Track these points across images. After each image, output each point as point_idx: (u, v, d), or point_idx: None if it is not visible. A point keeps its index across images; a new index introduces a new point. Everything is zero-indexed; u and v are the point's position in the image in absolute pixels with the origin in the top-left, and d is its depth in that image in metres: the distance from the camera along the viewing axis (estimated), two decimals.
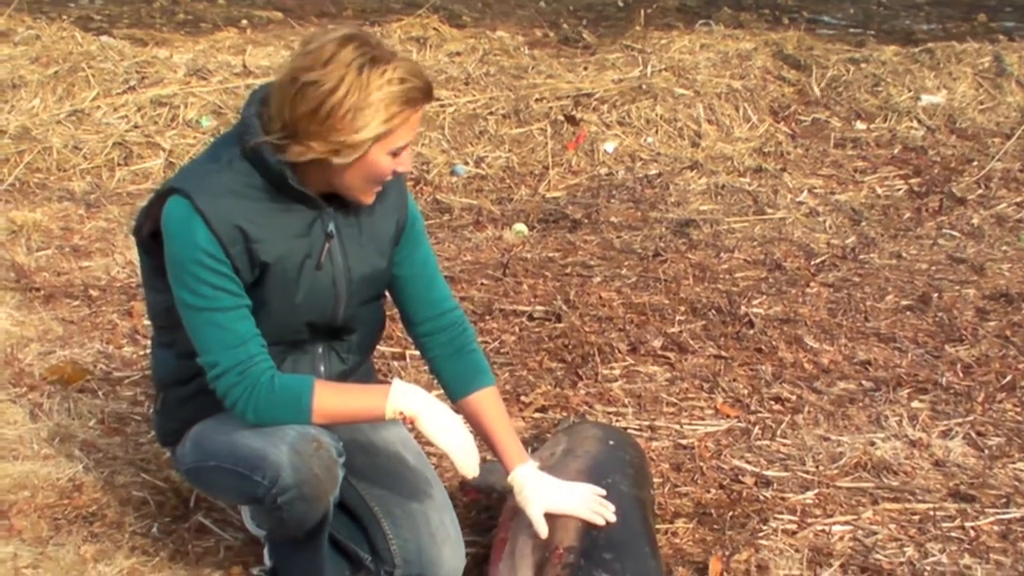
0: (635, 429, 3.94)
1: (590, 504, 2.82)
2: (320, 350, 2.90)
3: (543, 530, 2.76)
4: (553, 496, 2.82)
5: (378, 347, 4.30)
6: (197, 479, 2.94)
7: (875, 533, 3.38)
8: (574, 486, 2.87)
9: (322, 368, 2.91)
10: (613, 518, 2.79)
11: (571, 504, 2.81)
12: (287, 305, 2.75)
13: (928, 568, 3.21)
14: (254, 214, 2.65)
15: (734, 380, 4.32)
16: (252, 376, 2.65)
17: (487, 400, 2.95)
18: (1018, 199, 6.64)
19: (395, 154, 2.63)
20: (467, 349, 3.01)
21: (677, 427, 3.98)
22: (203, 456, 2.83)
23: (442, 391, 3.03)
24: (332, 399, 2.71)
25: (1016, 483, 3.68)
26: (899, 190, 6.82)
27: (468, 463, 2.75)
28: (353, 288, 2.83)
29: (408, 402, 2.70)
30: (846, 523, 3.43)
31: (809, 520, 3.43)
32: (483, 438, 2.94)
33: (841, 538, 3.35)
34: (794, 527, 3.39)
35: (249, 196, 2.65)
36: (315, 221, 2.73)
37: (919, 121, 7.86)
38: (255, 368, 2.66)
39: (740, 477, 3.66)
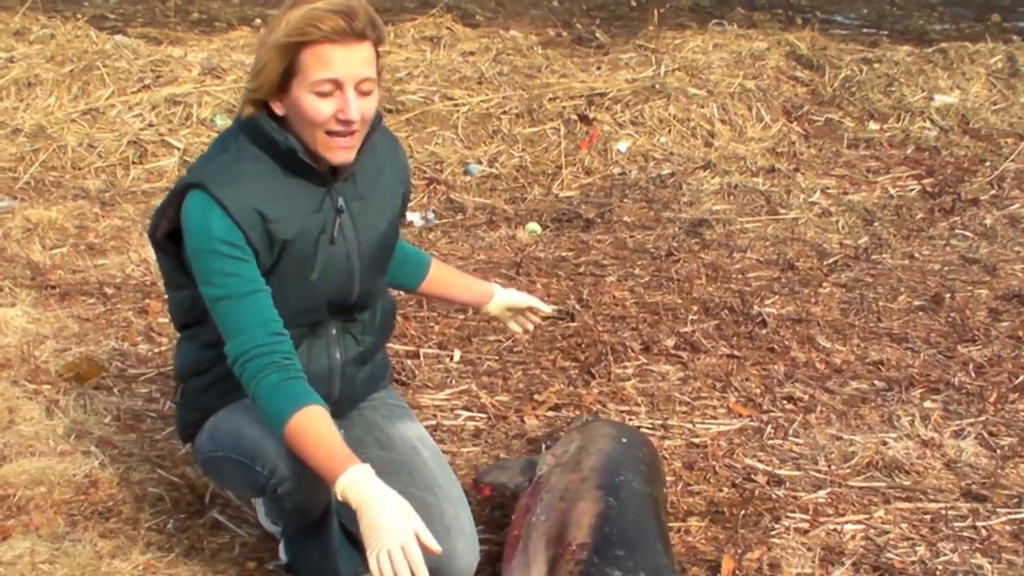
0: (648, 428, 3.95)
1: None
2: (334, 331, 2.94)
3: (547, 307, 3.48)
4: (523, 298, 3.43)
5: (393, 346, 4.34)
6: (211, 470, 2.99)
7: (887, 532, 3.39)
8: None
9: (338, 354, 2.95)
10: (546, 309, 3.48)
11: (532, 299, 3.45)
12: (305, 283, 2.79)
13: (940, 567, 3.22)
14: (269, 195, 2.70)
15: (747, 379, 4.33)
16: (252, 369, 2.67)
17: (436, 274, 3.34)
18: None
19: (321, 93, 2.64)
20: (401, 252, 3.18)
21: (690, 426, 3.99)
22: (215, 446, 2.90)
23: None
24: (304, 435, 2.62)
25: None
26: (912, 190, 6.82)
27: (371, 560, 2.51)
28: (365, 261, 2.88)
29: (354, 493, 2.55)
30: (858, 522, 3.44)
31: (821, 519, 3.44)
32: (457, 300, 3.51)
33: (853, 537, 3.36)
34: (806, 526, 3.41)
35: (262, 178, 2.71)
36: (325, 197, 2.79)
37: (932, 121, 7.85)
38: (255, 362, 2.67)
39: (752, 476, 3.67)
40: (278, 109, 2.69)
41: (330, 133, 2.69)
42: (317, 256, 2.79)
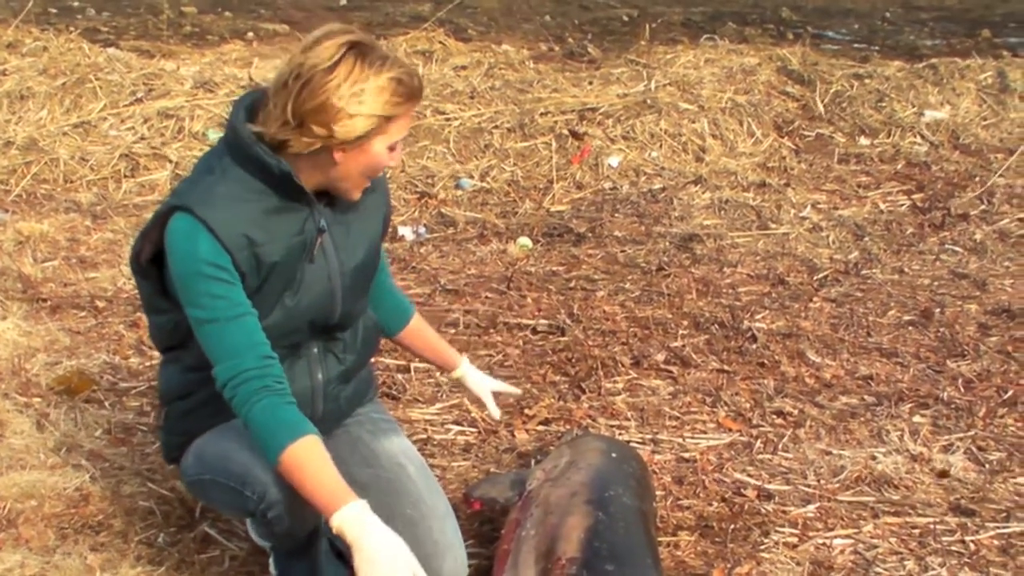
0: (638, 442, 3.96)
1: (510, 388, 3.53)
2: (315, 351, 2.93)
3: (496, 410, 3.45)
4: (492, 382, 3.49)
5: (384, 360, 4.34)
6: (198, 491, 2.98)
7: (876, 547, 3.40)
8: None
9: (320, 374, 2.94)
10: (497, 416, 3.48)
11: (500, 386, 3.50)
12: (289, 304, 2.79)
13: None
14: (256, 218, 2.69)
15: (736, 394, 4.34)
16: (243, 393, 2.65)
17: (416, 328, 3.36)
18: (1021, 215, 6.65)
19: (392, 148, 2.70)
20: (386, 288, 3.22)
21: (680, 440, 4.00)
22: (201, 469, 2.87)
23: None
24: (300, 467, 2.61)
25: (1016, 498, 3.70)
26: (902, 205, 6.84)
27: None
28: (347, 281, 2.88)
29: (350, 529, 2.56)
30: (847, 536, 3.45)
31: (810, 533, 3.45)
32: (422, 357, 3.54)
33: (842, 551, 3.37)
34: (795, 540, 3.41)
35: (249, 201, 2.69)
36: (307, 219, 2.78)
37: (922, 137, 7.89)
38: (246, 385, 2.65)
39: (742, 490, 3.68)
40: (339, 157, 2.67)
41: (369, 179, 2.78)
42: (300, 277, 2.79)
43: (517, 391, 3.59)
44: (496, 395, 3.48)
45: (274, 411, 2.65)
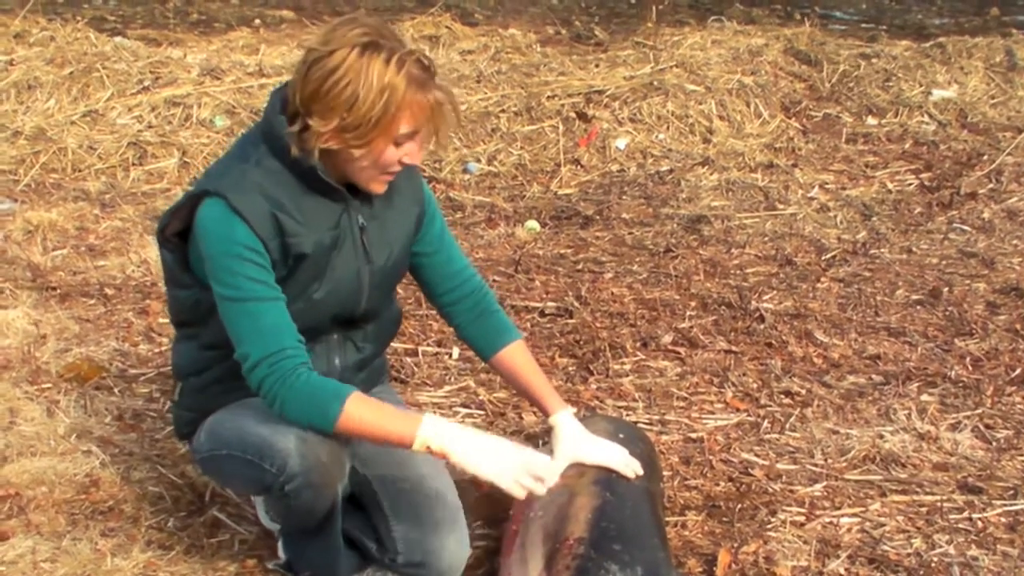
0: (645, 423, 3.97)
1: (619, 458, 2.97)
2: (336, 338, 2.95)
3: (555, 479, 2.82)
4: (582, 448, 2.98)
5: (392, 344, 4.33)
6: (211, 468, 2.99)
7: (883, 525, 3.40)
8: (604, 441, 3.03)
9: (337, 360, 2.96)
10: (641, 472, 2.98)
11: (600, 456, 2.98)
12: (314, 296, 2.80)
13: (935, 559, 3.24)
14: (288, 209, 2.70)
15: (744, 374, 4.34)
16: (282, 369, 2.67)
17: (517, 354, 3.10)
18: None
19: (398, 143, 2.67)
20: (490, 310, 3.12)
21: (687, 421, 4.01)
22: (216, 445, 2.89)
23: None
24: (362, 415, 2.69)
25: None
26: (910, 185, 6.83)
27: (512, 487, 2.73)
28: (376, 279, 2.89)
29: (437, 438, 2.68)
30: (854, 515, 3.45)
31: (817, 512, 3.46)
32: (520, 390, 3.15)
33: (849, 530, 3.38)
34: (802, 519, 3.42)
35: (281, 192, 2.70)
36: (343, 214, 2.79)
37: (930, 116, 7.87)
38: (286, 361, 2.68)
39: (749, 470, 3.69)
40: (334, 143, 2.65)
41: (386, 173, 2.73)
42: (327, 272, 2.80)
43: (619, 465, 2.99)
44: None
45: (318, 381, 2.71)
